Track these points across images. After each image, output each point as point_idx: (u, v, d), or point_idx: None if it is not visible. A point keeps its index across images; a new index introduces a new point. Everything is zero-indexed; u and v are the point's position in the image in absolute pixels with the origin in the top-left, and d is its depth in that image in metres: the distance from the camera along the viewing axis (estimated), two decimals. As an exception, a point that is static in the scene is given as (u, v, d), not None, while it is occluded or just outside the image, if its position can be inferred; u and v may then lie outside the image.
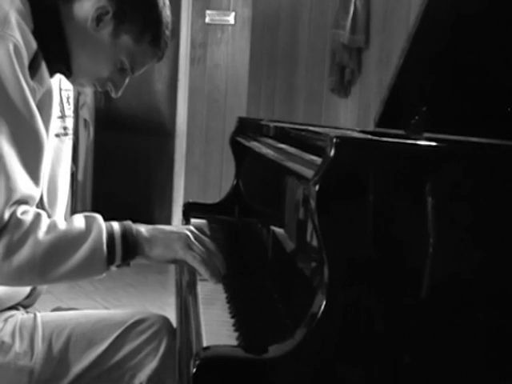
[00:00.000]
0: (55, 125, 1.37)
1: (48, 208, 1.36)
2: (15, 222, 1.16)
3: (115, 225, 1.24)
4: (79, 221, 1.22)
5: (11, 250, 1.15)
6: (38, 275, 1.19)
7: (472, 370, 0.95)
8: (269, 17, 4.34)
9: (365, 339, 0.91)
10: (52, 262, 1.18)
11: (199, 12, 5.01)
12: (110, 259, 1.21)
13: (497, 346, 0.95)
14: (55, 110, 1.35)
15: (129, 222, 1.26)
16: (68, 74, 1.36)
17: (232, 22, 4.98)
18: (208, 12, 5.00)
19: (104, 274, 1.24)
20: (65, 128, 1.45)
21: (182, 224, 1.90)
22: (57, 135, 1.40)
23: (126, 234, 1.22)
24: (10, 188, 1.15)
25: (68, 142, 1.46)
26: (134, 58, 1.34)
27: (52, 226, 1.19)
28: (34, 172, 1.21)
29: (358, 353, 0.91)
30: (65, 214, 1.53)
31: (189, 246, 1.23)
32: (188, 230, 1.27)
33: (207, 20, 5.01)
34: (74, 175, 5.09)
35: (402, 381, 0.93)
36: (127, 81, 1.38)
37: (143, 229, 1.25)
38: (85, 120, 5.06)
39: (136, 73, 1.38)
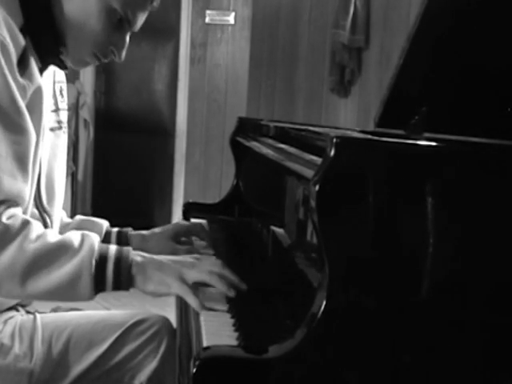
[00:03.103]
0: (49, 119, 1.35)
1: (46, 204, 1.35)
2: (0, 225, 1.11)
3: (111, 249, 1.18)
4: (74, 237, 1.17)
5: None
6: (18, 285, 1.12)
7: (472, 370, 0.95)
8: (269, 17, 4.34)
9: (364, 339, 0.91)
10: (33, 274, 1.12)
11: (199, 12, 5.01)
12: (99, 284, 1.15)
13: (497, 346, 0.95)
14: (48, 105, 1.33)
15: (127, 251, 1.19)
16: (62, 66, 1.33)
17: (232, 21, 4.97)
18: (208, 12, 5.00)
19: (92, 299, 1.17)
20: (59, 122, 1.42)
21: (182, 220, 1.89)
22: (51, 129, 1.37)
23: (120, 263, 1.16)
24: None
25: (63, 135, 1.43)
26: (126, 3, 1.25)
27: (41, 237, 1.14)
28: (23, 171, 1.18)
29: (358, 353, 0.91)
30: (62, 214, 1.53)
31: (183, 279, 1.17)
32: (187, 263, 1.21)
33: (207, 20, 5.00)
34: (73, 175, 5.09)
35: (402, 381, 0.93)
36: (128, 39, 1.31)
37: (140, 258, 1.19)
38: (85, 120, 5.06)
39: (134, 25, 1.30)
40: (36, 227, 1.16)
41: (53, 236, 1.16)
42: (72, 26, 1.25)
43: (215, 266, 1.20)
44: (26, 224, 1.14)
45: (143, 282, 1.17)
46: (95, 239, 1.19)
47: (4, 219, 1.12)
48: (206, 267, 1.19)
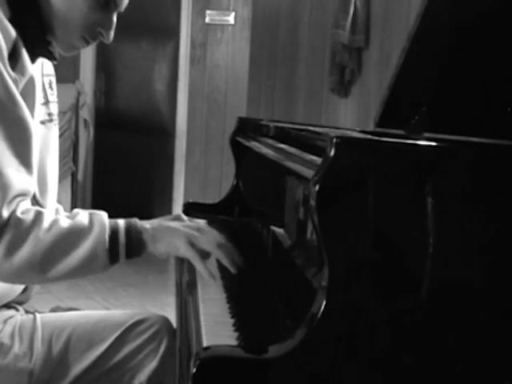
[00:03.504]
0: (40, 112, 1.35)
1: (39, 197, 1.35)
2: (16, 221, 1.15)
3: (120, 222, 1.24)
4: (83, 218, 1.22)
5: (12, 249, 1.14)
6: (39, 273, 1.18)
7: (472, 370, 0.95)
8: (269, 17, 4.34)
9: (364, 339, 0.91)
10: (52, 260, 1.18)
11: (199, 12, 5.01)
12: (113, 257, 1.21)
13: (497, 347, 0.95)
14: (39, 97, 1.33)
15: (135, 219, 1.25)
16: (51, 57, 1.33)
17: (232, 22, 4.98)
18: (208, 12, 5.00)
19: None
20: (49, 114, 1.42)
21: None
22: (42, 122, 1.37)
23: (131, 232, 1.22)
24: (4, 185, 1.14)
25: (54, 128, 1.43)
26: None
27: (54, 224, 1.18)
28: (26, 162, 1.20)
29: (358, 353, 0.91)
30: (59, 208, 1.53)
31: (191, 243, 1.23)
32: (194, 228, 1.26)
33: (207, 20, 5.01)
34: (73, 175, 5.09)
35: (402, 381, 0.93)
36: (115, 19, 1.31)
37: (148, 225, 1.25)
38: (85, 120, 5.06)
39: (120, 5, 1.30)
40: (47, 215, 1.20)
41: (64, 221, 1.21)
42: (59, 11, 1.25)
43: (220, 237, 1.26)
44: (38, 215, 1.18)
45: (153, 244, 1.23)
46: (104, 215, 1.24)
47: (19, 214, 1.16)
48: (213, 238, 1.25)
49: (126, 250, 1.21)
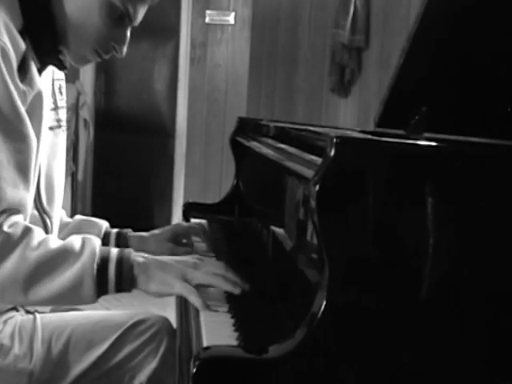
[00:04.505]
0: (48, 117, 1.35)
1: (46, 205, 1.35)
2: (1, 234, 1.12)
3: (112, 253, 1.18)
4: (75, 241, 1.17)
5: None
6: (21, 293, 1.13)
7: (472, 369, 0.95)
8: (269, 17, 4.34)
9: (365, 339, 0.91)
10: (35, 281, 1.12)
11: (199, 12, 5.01)
12: (101, 287, 1.15)
13: (496, 347, 0.95)
14: (48, 104, 1.32)
15: (128, 252, 1.20)
16: (61, 67, 1.32)
17: (232, 22, 4.97)
18: (208, 12, 5.00)
19: (96, 302, 1.17)
20: (58, 120, 1.42)
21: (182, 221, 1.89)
22: (50, 128, 1.37)
23: (122, 265, 1.16)
24: None
25: (62, 134, 1.43)
26: None
27: (42, 243, 1.14)
28: (24, 177, 1.18)
29: (358, 353, 0.91)
30: (62, 213, 1.53)
31: (185, 279, 1.17)
32: (190, 264, 1.20)
33: (207, 20, 5.01)
34: (73, 175, 5.09)
35: (402, 381, 0.93)
36: (129, 34, 1.30)
37: (141, 259, 1.19)
38: (85, 120, 5.06)
39: (134, 20, 1.29)
40: (37, 234, 1.16)
41: (54, 242, 1.16)
42: (73, 24, 1.25)
43: (218, 267, 1.20)
44: (27, 231, 1.14)
45: (146, 282, 1.17)
46: (96, 243, 1.19)
47: (5, 228, 1.13)
48: (209, 268, 1.19)
49: (115, 284, 1.15)
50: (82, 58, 1.32)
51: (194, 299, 1.14)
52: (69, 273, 1.13)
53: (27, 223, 1.18)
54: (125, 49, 1.31)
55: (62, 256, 1.14)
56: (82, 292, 1.14)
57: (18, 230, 1.13)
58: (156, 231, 1.55)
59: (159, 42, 5.22)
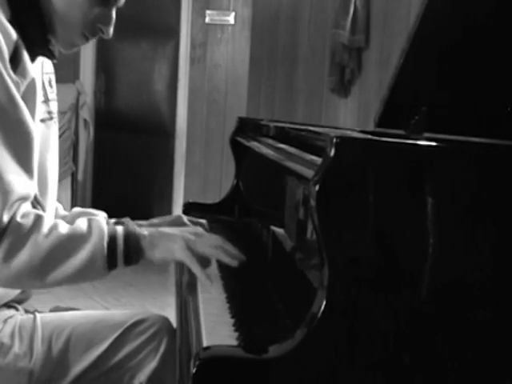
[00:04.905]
0: (40, 110, 1.35)
1: (39, 196, 1.35)
2: (15, 225, 1.16)
3: (119, 229, 1.24)
4: (82, 224, 1.22)
5: (10, 254, 1.15)
6: (38, 279, 1.19)
7: (472, 369, 0.95)
8: (269, 17, 4.34)
9: (365, 339, 0.91)
10: (51, 266, 1.18)
11: (199, 12, 5.01)
12: (111, 263, 1.21)
13: (497, 346, 0.95)
14: (39, 97, 1.32)
15: (133, 225, 1.26)
16: (51, 56, 1.33)
17: (232, 22, 4.97)
18: (208, 12, 5.00)
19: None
20: (49, 112, 1.41)
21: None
22: (42, 120, 1.36)
23: (129, 239, 1.23)
24: (5, 190, 1.14)
25: (54, 126, 1.43)
26: None
27: (53, 229, 1.19)
28: (26, 166, 1.20)
29: (358, 353, 0.91)
30: (59, 206, 1.53)
31: (188, 247, 1.23)
32: (192, 232, 1.27)
33: (207, 20, 5.00)
34: (73, 175, 5.09)
35: (402, 381, 0.93)
36: (114, 15, 1.32)
37: (146, 232, 1.25)
38: (85, 120, 5.06)
39: (119, 0, 1.31)
40: (47, 220, 1.20)
41: (63, 227, 1.21)
42: (59, 9, 1.26)
43: (218, 240, 1.27)
44: (38, 219, 1.19)
45: (151, 251, 1.23)
46: (102, 221, 1.24)
47: (18, 218, 1.17)
48: (210, 241, 1.26)
49: (124, 258, 1.22)
50: (70, 42, 1.33)
51: (195, 267, 1.21)
52: (81, 254, 1.19)
53: (36, 211, 1.22)
54: (111, 29, 1.33)
55: (74, 239, 1.20)
56: (94, 270, 1.21)
57: (30, 219, 1.18)
58: (155, 220, 1.54)
59: (159, 42, 5.22)
